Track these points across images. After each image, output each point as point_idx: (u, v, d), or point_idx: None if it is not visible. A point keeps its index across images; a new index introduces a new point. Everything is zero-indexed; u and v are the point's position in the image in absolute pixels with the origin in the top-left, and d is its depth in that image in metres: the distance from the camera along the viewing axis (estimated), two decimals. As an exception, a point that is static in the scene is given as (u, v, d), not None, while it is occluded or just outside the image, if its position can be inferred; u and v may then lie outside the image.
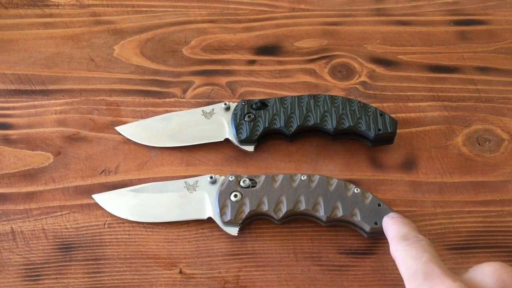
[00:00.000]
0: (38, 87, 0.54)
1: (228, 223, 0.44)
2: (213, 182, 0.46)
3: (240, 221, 0.44)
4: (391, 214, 0.43)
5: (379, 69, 0.56)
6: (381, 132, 0.48)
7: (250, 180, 0.45)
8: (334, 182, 0.44)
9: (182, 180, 0.47)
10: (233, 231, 0.45)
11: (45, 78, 0.55)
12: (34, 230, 0.46)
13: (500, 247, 0.45)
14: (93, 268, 0.44)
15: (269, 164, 0.50)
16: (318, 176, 0.45)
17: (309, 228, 0.46)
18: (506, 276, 0.34)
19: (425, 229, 0.46)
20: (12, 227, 0.46)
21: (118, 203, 0.46)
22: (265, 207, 0.44)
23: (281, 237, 0.45)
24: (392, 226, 0.41)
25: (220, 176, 0.46)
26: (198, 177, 0.47)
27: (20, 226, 0.46)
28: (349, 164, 0.50)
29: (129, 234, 0.46)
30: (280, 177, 0.45)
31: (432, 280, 0.34)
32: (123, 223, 0.46)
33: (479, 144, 0.51)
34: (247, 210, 0.44)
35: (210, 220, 0.45)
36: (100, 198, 0.47)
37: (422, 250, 0.36)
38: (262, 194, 0.45)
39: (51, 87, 0.54)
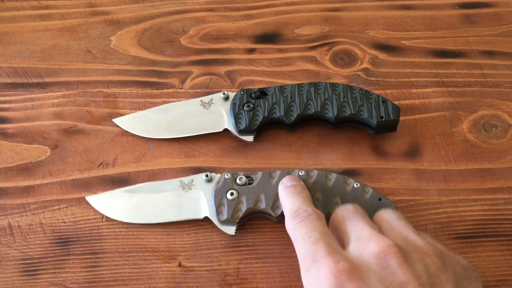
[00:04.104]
0: (34, 80, 0.53)
1: (225, 222, 0.43)
2: (209, 180, 0.45)
3: (237, 220, 0.43)
4: (285, 181, 0.42)
5: (382, 55, 0.55)
6: (383, 119, 0.47)
7: (247, 177, 0.44)
8: (333, 177, 0.43)
9: (177, 179, 0.46)
10: (230, 230, 0.43)
11: (41, 71, 0.54)
12: (32, 224, 0.45)
13: (508, 236, 0.44)
14: (91, 262, 0.43)
15: (269, 154, 0.49)
16: (317, 172, 0.43)
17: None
18: (390, 258, 0.33)
19: (429, 218, 0.45)
20: (9, 222, 0.45)
21: (112, 204, 0.45)
22: (262, 205, 0.43)
23: (281, 228, 0.44)
24: (286, 199, 0.40)
25: (216, 174, 0.45)
26: (194, 175, 0.46)
27: (18, 221, 0.45)
28: (351, 153, 0.49)
29: (127, 228, 0.45)
30: (277, 173, 0.44)
31: (318, 261, 0.34)
32: (121, 216, 0.45)
33: (485, 130, 0.50)
34: (244, 208, 0.43)
35: (207, 219, 0.44)
36: (94, 200, 0.46)
37: (311, 228, 0.36)
38: (259, 191, 0.43)
39: (47, 79, 0.53)
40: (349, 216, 0.38)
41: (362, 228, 0.36)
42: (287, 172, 0.44)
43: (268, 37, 0.56)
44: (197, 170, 0.48)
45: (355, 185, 0.43)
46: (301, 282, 0.35)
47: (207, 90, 0.53)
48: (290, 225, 0.38)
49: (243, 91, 0.49)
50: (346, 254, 0.34)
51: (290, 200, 0.40)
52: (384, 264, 0.33)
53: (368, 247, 0.34)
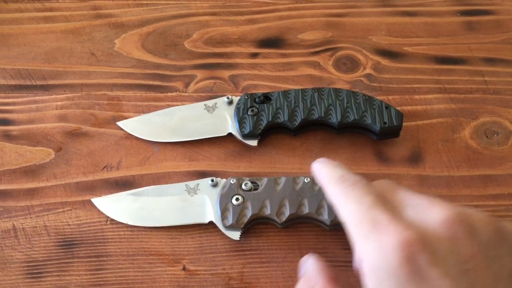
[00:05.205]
0: (38, 82, 0.53)
1: (230, 227, 0.43)
2: (214, 185, 0.45)
3: (242, 225, 0.43)
4: (319, 159, 0.39)
5: (384, 61, 0.55)
6: (386, 125, 0.47)
7: (252, 183, 0.44)
8: None
9: (183, 183, 0.46)
10: (235, 235, 0.43)
11: (45, 73, 0.54)
12: (36, 227, 0.45)
13: (509, 242, 0.44)
14: (95, 265, 0.43)
15: (273, 159, 0.49)
16: None
17: (314, 225, 0.45)
18: (458, 228, 0.30)
19: (432, 223, 0.45)
20: (13, 224, 0.45)
21: (118, 207, 0.45)
22: (267, 211, 0.43)
23: (285, 233, 0.45)
24: (324, 169, 0.37)
25: (222, 179, 0.46)
26: (199, 180, 0.46)
27: (22, 223, 0.45)
28: (354, 158, 0.49)
29: (131, 231, 0.45)
30: (283, 180, 0.44)
31: (380, 228, 0.30)
32: (125, 219, 0.46)
33: (487, 137, 0.50)
34: (249, 213, 0.43)
35: (211, 224, 0.44)
36: (99, 202, 0.46)
37: (365, 192, 0.33)
38: (265, 197, 0.44)
39: (51, 82, 0.54)
40: (393, 186, 0.35)
41: (414, 196, 0.33)
42: (293, 178, 0.44)
43: (272, 42, 0.57)
44: (201, 174, 0.48)
45: None
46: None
47: (211, 94, 0.53)
48: (335, 189, 0.34)
49: (247, 96, 0.50)
50: (411, 221, 0.30)
51: (329, 169, 0.36)
52: (451, 234, 0.30)
53: (433, 214, 0.31)
